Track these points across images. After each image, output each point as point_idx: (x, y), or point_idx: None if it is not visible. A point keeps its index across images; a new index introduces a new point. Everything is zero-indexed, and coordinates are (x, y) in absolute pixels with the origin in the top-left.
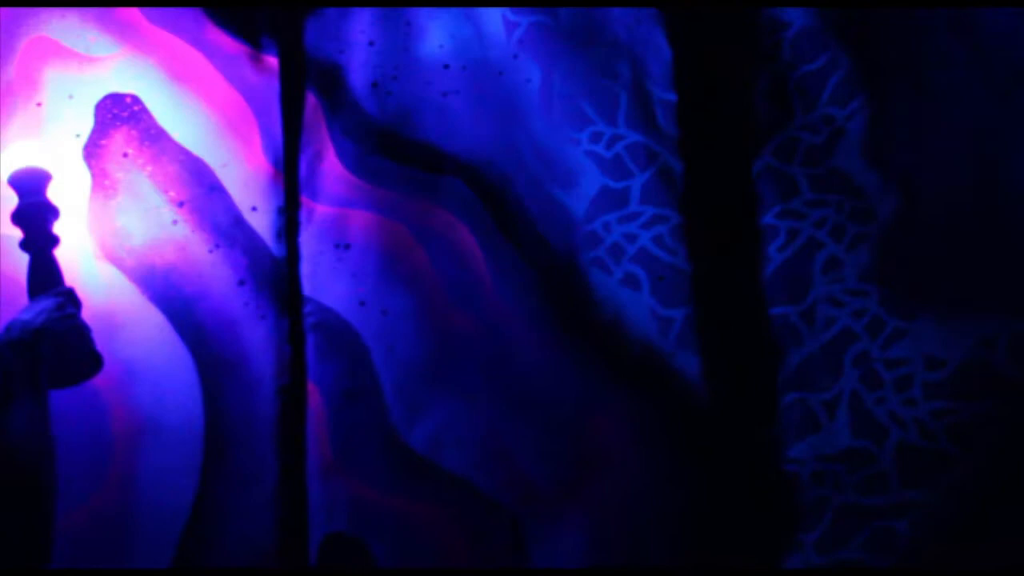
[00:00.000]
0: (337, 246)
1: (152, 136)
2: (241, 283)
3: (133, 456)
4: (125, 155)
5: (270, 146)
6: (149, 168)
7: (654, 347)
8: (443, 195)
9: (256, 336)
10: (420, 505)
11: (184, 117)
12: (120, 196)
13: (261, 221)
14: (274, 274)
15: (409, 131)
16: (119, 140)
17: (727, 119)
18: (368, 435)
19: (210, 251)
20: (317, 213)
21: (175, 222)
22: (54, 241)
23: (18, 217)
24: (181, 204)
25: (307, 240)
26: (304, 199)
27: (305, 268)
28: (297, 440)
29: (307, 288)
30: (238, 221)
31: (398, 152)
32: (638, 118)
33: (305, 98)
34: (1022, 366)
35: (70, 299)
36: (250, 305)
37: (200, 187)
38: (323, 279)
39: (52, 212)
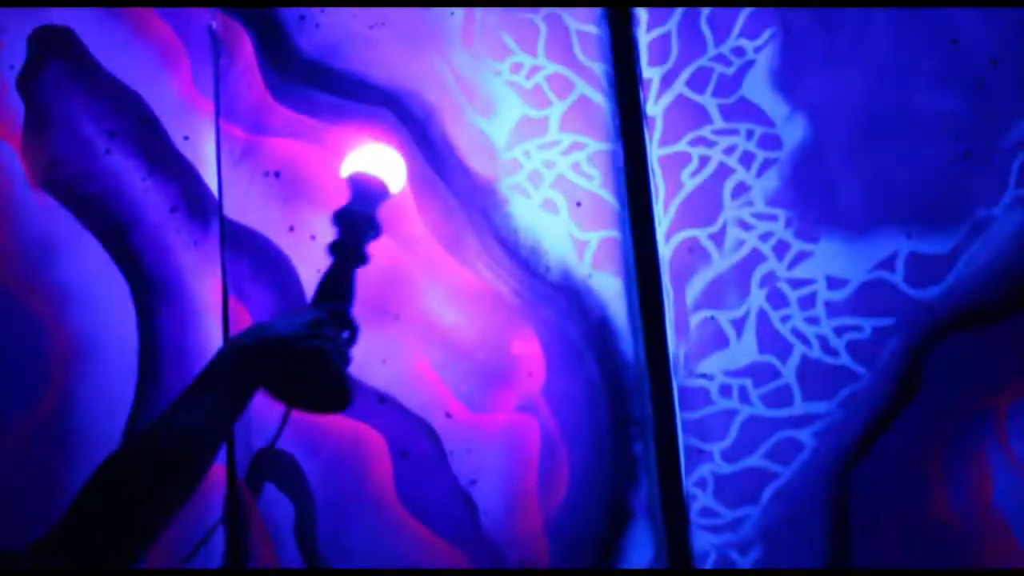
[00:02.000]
0: (266, 174)
1: (85, 67)
2: (173, 210)
3: (69, 378)
4: (58, 86)
5: (201, 77)
6: (82, 99)
7: (571, 269)
8: (369, 125)
9: (188, 261)
10: (351, 423)
11: (116, 49)
12: (54, 126)
13: (193, 150)
14: (205, 201)
15: (337, 62)
16: (53, 71)
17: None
18: None
19: (143, 179)
20: (247, 142)
21: (108, 151)
22: (363, 259)
23: (341, 217)
24: (114, 134)
25: (237, 168)
26: (235, 128)
27: (236, 195)
28: None
29: (237, 215)
30: (170, 150)
31: (326, 83)
32: (557, 49)
33: (235, 30)
34: (917, 284)
35: (337, 319)
36: (182, 232)
37: (132, 117)
38: (253, 206)
39: (375, 230)
